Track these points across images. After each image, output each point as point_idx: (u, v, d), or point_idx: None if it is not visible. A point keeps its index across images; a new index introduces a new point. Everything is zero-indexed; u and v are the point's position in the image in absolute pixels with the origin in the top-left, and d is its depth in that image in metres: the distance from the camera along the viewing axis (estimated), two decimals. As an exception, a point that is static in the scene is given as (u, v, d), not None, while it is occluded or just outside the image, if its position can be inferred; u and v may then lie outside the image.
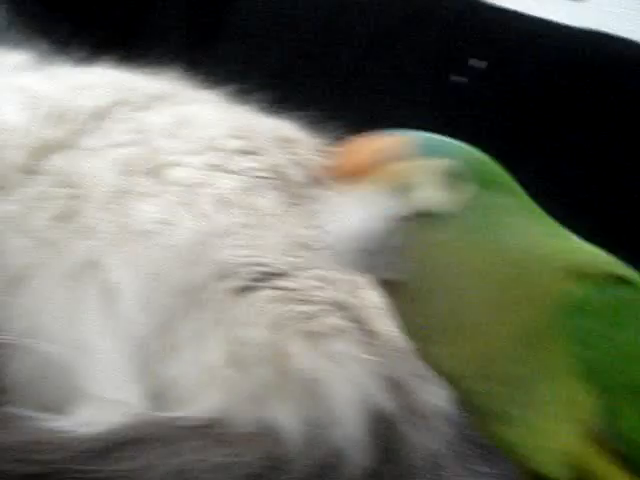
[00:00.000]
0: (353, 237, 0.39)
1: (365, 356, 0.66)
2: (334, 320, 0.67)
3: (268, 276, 0.67)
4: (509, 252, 0.41)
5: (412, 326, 0.43)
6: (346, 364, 0.65)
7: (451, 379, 0.43)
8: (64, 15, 1.08)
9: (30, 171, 0.73)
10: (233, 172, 0.72)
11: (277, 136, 0.79)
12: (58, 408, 0.64)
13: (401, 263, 0.40)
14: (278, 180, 0.75)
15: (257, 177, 0.73)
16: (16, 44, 1.01)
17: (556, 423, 0.42)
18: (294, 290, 0.67)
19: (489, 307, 0.41)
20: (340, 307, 0.68)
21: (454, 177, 0.40)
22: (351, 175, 0.40)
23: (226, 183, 0.71)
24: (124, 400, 0.64)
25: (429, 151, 0.41)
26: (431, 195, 0.40)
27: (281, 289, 0.67)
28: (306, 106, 0.84)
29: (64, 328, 0.65)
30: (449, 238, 0.40)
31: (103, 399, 0.64)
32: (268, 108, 0.85)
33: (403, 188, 0.40)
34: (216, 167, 0.72)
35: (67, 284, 0.66)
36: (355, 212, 0.40)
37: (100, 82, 0.81)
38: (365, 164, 0.40)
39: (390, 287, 0.42)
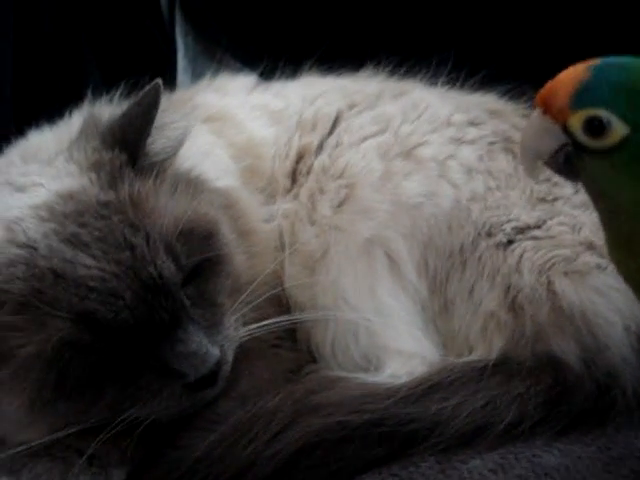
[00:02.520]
0: (531, 153, 0.55)
1: (622, 285, 0.73)
2: (589, 258, 0.74)
3: (524, 229, 0.75)
4: None
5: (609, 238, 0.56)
6: (609, 294, 0.72)
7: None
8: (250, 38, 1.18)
9: (295, 174, 0.84)
10: (470, 142, 0.81)
11: (487, 108, 0.88)
12: (367, 367, 0.75)
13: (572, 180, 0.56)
14: (504, 143, 0.83)
15: (489, 143, 0.82)
16: (205, 69, 1.12)
17: None
18: (549, 238, 0.75)
19: None
20: (590, 246, 0.75)
21: (600, 124, 0.51)
22: (540, 104, 0.54)
23: (468, 153, 0.80)
24: (421, 353, 0.75)
25: (584, 99, 0.51)
26: (580, 135, 0.52)
27: (538, 238, 0.75)
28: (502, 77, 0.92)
29: (364, 296, 0.76)
30: (601, 171, 0.52)
31: (404, 353, 0.74)
32: (462, 86, 0.93)
33: (561, 124, 0.53)
34: (456, 140, 0.81)
35: (359, 259, 0.76)
36: (534, 134, 0.55)
37: (326, 90, 0.91)
38: (544, 97, 0.54)
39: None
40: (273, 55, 1.00)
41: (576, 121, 0.51)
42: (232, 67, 1.11)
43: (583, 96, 0.51)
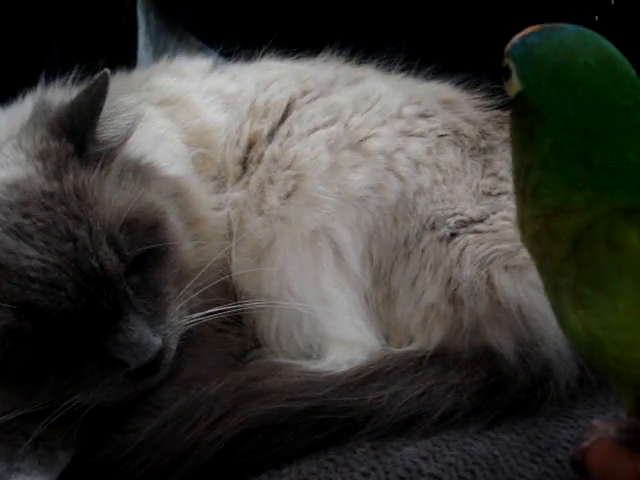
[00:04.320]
0: None
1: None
2: (530, 253, 0.77)
3: (467, 223, 0.77)
4: None
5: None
6: None
7: None
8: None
9: (246, 162, 0.85)
10: (419, 135, 0.82)
11: (440, 98, 0.89)
12: (309, 354, 0.78)
13: None
14: (454, 136, 0.84)
15: (438, 136, 0.83)
16: (166, 46, 1.12)
17: None
18: (491, 232, 0.77)
19: None
20: (532, 241, 0.78)
21: (510, 74, 0.54)
22: None
23: (416, 146, 0.81)
24: (362, 342, 0.76)
25: (512, 49, 0.54)
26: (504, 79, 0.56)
27: (481, 232, 0.77)
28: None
29: (308, 286, 0.77)
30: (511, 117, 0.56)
31: (346, 342, 0.76)
32: (417, 74, 0.93)
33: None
34: (405, 133, 0.82)
35: (304, 250, 0.78)
36: None
37: (280, 75, 0.92)
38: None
39: None
40: (233, 35, 1.00)
41: (504, 65, 0.55)
42: (193, 45, 1.11)
43: (513, 46, 0.54)
